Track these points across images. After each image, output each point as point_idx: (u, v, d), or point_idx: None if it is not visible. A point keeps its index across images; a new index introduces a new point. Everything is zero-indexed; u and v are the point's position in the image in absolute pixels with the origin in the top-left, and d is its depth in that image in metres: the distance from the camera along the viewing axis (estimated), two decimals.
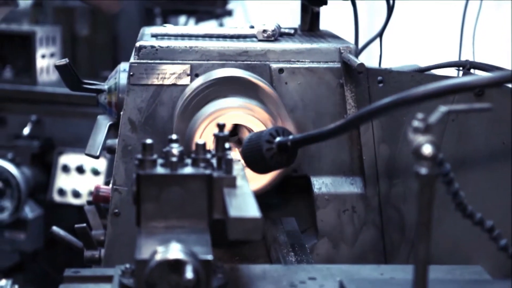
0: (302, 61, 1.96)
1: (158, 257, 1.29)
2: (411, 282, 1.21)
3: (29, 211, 3.91)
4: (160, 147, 1.44)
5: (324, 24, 2.29)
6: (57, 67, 2.04)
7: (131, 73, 1.93)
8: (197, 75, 1.93)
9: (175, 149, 1.41)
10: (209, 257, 1.31)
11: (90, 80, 2.08)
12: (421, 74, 1.95)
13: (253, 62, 1.95)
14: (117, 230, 1.95)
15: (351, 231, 1.96)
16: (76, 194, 3.88)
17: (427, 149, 1.14)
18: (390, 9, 2.31)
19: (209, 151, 1.44)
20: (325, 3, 2.17)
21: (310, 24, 2.26)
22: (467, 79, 1.32)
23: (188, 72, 1.93)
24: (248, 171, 1.71)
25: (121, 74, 2.03)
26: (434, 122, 1.15)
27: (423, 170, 1.14)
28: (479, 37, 2.57)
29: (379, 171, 1.95)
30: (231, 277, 1.45)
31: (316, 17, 2.25)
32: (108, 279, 1.48)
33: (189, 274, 1.27)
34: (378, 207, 1.96)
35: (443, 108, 1.18)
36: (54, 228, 2.19)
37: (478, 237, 1.48)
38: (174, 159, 1.40)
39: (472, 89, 1.68)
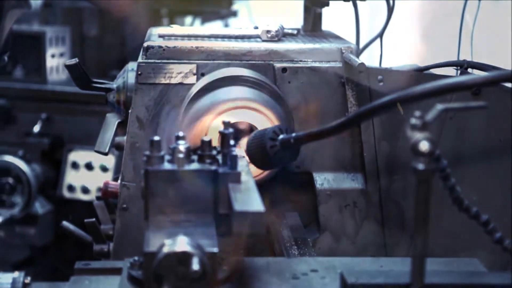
0: (304, 61, 1.97)
1: (166, 249, 1.31)
2: (409, 274, 1.23)
3: (39, 207, 3.92)
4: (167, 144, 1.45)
5: (326, 24, 2.31)
6: (67, 67, 2.05)
7: (139, 73, 1.94)
8: (203, 74, 1.94)
9: (182, 145, 1.43)
10: (215, 249, 1.32)
11: (99, 79, 2.09)
12: (420, 73, 1.96)
13: (257, 62, 1.96)
14: (125, 224, 1.97)
15: (353, 225, 1.97)
16: (85, 190, 3.89)
17: (424, 146, 1.15)
18: (390, 10, 2.33)
19: (214, 148, 1.46)
20: (327, 4, 2.19)
21: (312, 25, 2.27)
22: (463, 78, 1.33)
23: (194, 71, 1.94)
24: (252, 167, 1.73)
25: (129, 73, 2.04)
26: (431, 119, 1.17)
27: (421, 166, 1.16)
28: (477, 37, 2.58)
29: (380, 167, 1.96)
30: (236, 269, 1.46)
31: (318, 18, 2.27)
32: (117, 271, 1.49)
33: (195, 266, 1.29)
34: (379, 202, 1.97)
35: (440, 106, 1.20)
36: (64, 222, 2.20)
37: (477, 232, 1.49)
38: (181, 155, 1.41)
39: (468, 88, 1.69)
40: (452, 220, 1.85)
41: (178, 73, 1.94)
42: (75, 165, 3.91)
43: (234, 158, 1.43)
